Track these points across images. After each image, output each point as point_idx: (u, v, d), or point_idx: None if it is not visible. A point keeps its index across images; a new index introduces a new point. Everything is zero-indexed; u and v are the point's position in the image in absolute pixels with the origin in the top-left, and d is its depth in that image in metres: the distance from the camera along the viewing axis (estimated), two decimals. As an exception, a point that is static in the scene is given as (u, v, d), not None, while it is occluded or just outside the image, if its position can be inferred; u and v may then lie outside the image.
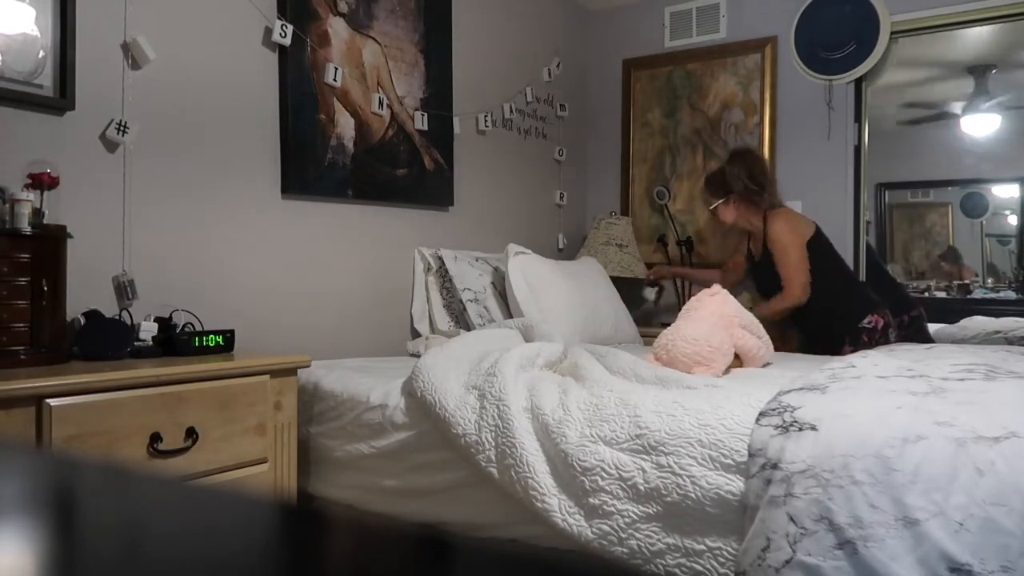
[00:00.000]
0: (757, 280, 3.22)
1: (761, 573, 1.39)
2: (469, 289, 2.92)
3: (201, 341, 2.04)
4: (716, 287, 2.34)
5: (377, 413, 2.05)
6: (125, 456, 1.65)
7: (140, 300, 2.10)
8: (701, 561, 1.51)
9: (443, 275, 2.96)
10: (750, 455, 1.49)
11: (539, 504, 1.67)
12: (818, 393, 1.61)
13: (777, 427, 1.49)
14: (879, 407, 1.51)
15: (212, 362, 1.89)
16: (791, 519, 1.38)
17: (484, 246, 3.34)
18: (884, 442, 1.39)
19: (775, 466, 1.44)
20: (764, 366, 2.29)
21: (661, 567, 1.54)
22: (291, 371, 2.03)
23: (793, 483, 1.40)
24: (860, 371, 1.79)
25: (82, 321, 1.92)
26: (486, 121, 3.39)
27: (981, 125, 3.73)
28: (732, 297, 2.31)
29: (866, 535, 1.31)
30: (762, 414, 1.55)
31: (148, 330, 2.03)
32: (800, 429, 1.46)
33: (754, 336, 2.25)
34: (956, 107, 3.76)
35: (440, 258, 2.99)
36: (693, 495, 1.54)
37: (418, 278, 3.01)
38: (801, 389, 1.64)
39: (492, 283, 3.02)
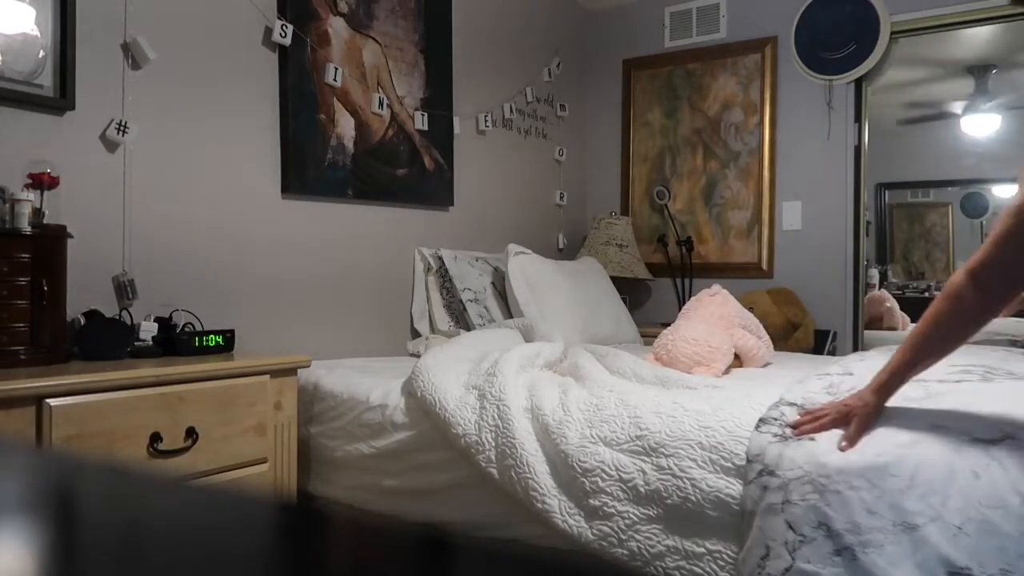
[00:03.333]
0: None
1: None
2: (469, 289, 2.92)
3: (201, 341, 2.05)
4: (716, 287, 2.34)
5: (377, 413, 2.05)
6: (125, 456, 1.65)
7: (140, 300, 2.10)
8: (701, 564, 1.51)
9: (443, 275, 2.96)
10: (748, 460, 1.49)
11: (539, 505, 1.67)
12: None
13: (775, 435, 1.49)
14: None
15: (212, 362, 1.89)
16: (789, 526, 1.38)
17: (484, 246, 3.34)
18: (880, 448, 1.38)
19: (772, 472, 1.44)
20: (764, 366, 2.29)
21: (661, 569, 1.54)
22: (291, 371, 2.03)
23: (790, 490, 1.40)
24: (857, 379, 1.79)
25: (82, 321, 1.92)
26: (486, 121, 3.39)
27: (981, 125, 3.73)
28: (732, 297, 2.31)
29: (864, 541, 1.31)
30: (762, 420, 1.55)
31: (148, 330, 2.03)
32: (799, 442, 1.46)
33: (754, 336, 2.25)
34: (956, 107, 3.76)
35: (440, 258, 2.99)
36: (693, 498, 1.54)
37: (418, 278, 3.01)
38: (799, 404, 1.64)
39: (492, 283, 3.01)
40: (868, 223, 3.53)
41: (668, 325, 2.28)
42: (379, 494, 2.02)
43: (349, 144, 2.74)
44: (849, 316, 3.43)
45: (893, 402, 1.55)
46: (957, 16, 3.23)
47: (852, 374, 1.85)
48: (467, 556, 0.37)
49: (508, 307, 2.89)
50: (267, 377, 1.96)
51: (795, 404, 1.62)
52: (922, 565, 1.26)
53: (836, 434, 1.45)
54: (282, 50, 2.52)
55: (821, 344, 3.32)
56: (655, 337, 2.25)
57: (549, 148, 3.84)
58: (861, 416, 1.43)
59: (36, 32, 1.91)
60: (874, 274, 3.74)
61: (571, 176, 4.02)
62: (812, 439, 1.45)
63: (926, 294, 3.85)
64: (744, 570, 1.43)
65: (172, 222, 2.24)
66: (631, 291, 3.80)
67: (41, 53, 1.93)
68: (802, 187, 3.56)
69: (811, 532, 1.36)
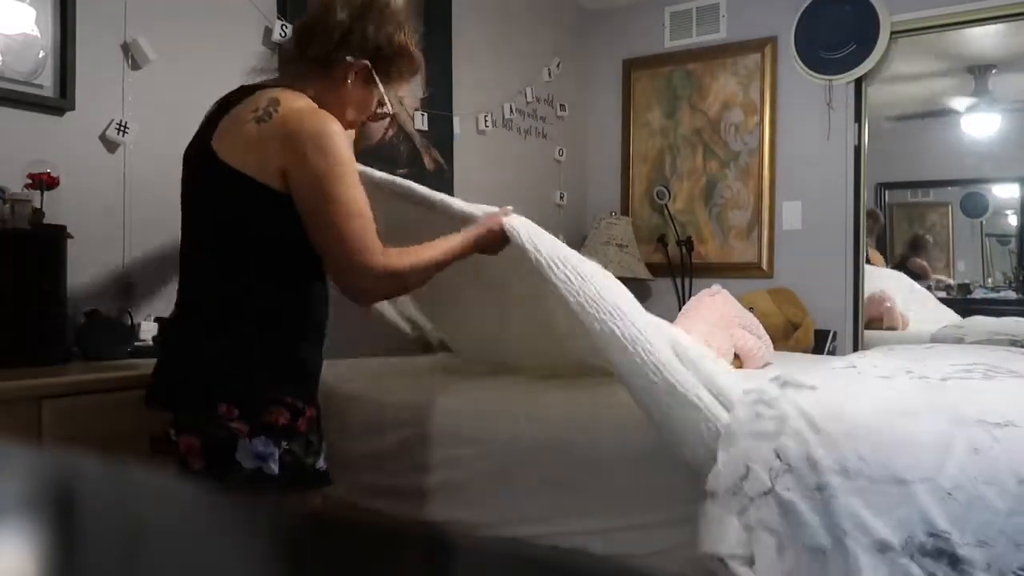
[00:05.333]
0: None
1: (734, 499, 1.38)
2: (469, 289, 2.91)
3: (201, 341, 2.04)
4: (715, 287, 2.34)
5: (378, 412, 2.05)
6: (125, 456, 1.65)
7: (140, 300, 2.10)
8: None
9: (443, 275, 2.96)
10: (744, 392, 1.50)
11: None
12: (819, 380, 1.62)
13: (776, 380, 1.51)
14: (880, 390, 1.52)
15: (212, 362, 1.88)
16: (777, 455, 1.38)
17: (484, 246, 3.34)
18: (884, 410, 1.39)
19: (769, 404, 1.44)
20: (763, 366, 2.28)
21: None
22: (291, 371, 2.03)
23: (786, 422, 1.40)
24: (861, 370, 1.80)
25: (82, 321, 1.92)
26: (486, 121, 3.39)
27: (981, 125, 3.73)
28: (732, 297, 2.31)
29: (849, 484, 1.30)
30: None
31: (148, 330, 2.03)
32: (799, 388, 1.48)
33: (754, 336, 2.25)
34: (956, 107, 3.76)
35: (440, 258, 2.98)
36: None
37: (418, 278, 3.01)
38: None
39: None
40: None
41: (668, 325, 2.28)
42: (380, 493, 2.02)
43: (349, 144, 2.74)
44: (849, 316, 3.43)
45: (896, 391, 1.55)
46: (957, 16, 3.22)
47: (855, 366, 1.86)
48: (467, 556, 0.37)
49: (508, 307, 2.89)
50: (267, 377, 1.95)
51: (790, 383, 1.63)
52: (903, 520, 1.26)
53: (838, 391, 1.46)
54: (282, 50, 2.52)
55: (821, 344, 3.32)
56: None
57: (549, 148, 3.84)
58: None
59: (36, 32, 1.91)
60: (874, 274, 3.73)
61: (571, 176, 4.02)
62: (813, 387, 1.46)
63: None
64: (718, 484, 1.41)
65: (172, 222, 2.23)
66: (631, 291, 3.79)
67: (41, 53, 1.93)
68: (802, 187, 3.55)
69: (797, 463, 1.36)
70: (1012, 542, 1.21)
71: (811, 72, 3.49)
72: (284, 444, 1.36)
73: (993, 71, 3.63)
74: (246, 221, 1.38)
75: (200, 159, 1.42)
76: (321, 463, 1.44)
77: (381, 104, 1.55)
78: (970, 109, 3.71)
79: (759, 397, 1.45)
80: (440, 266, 1.53)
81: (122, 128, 2.07)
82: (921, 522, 1.25)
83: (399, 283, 1.52)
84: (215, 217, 1.42)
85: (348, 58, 1.45)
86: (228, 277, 1.40)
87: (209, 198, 1.42)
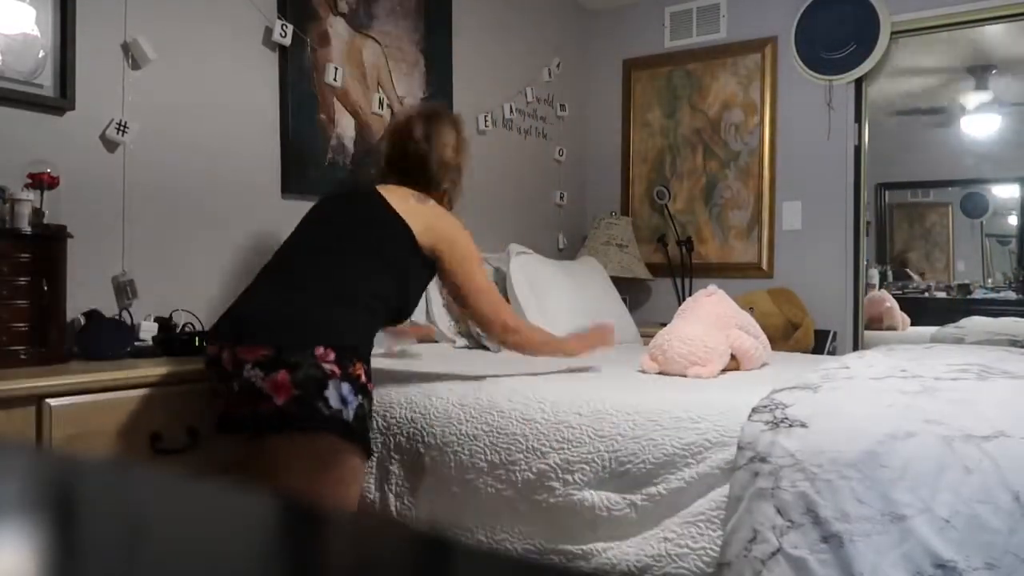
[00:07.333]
0: None
1: (747, 565, 1.39)
2: (469, 289, 2.91)
3: (201, 341, 2.05)
4: (712, 287, 2.33)
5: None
6: (125, 456, 1.66)
7: (140, 300, 2.11)
8: (686, 564, 1.51)
9: (443, 275, 2.96)
10: (739, 448, 1.49)
11: None
12: (810, 392, 1.61)
13: (768, 423, 1.50)
14: (869, 405, 1.52)
15: (212, 362, 1.89)
16: (778, 511, 1.38)
17: (484, 246, 3.33)
18: (873, 438, 1.39)
19: (763, 459, 1.44)
20: (761, 367, 2.28)
21: None
22: (291, 371, 2.03)
23: (781, 476, 1.40)
24: (853, 372, 1.79)
25: (82, 321, 1.92)
26: (486, 121, 3.39)
27: (981, 125, 3.73)
28: (728, 297, 2.31)
29: (852, 530, 1.31)
30: (754, 410, 1.56)
31: (148, 330, 2.03)
32: (790, 426, 1.47)
33: (751, 337, 2.24)
34: (956, 107, 3.76)
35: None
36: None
37: (418, 278, 3.01)
38: (793, 388, 1.65)
39: (493, 283, 3.01)
40: (868, 223, 3.53)
41: (666, 325, 2.28)
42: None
43: (349, 144, 2.74)
44: (849, 316, 3.43)
45: (887, 398, 1.55)
46: (957, 16, 3.22)
47: (848, 367, 1.86)
48: (467, 556, 0.37)
49: (508, 307, 2.89)
50: (267, 377, 1.95)
51: (790, 388, 1.62)
52: (908, 556, 1.26)
53: (830, 422, 1.46)
54: (282, 50, 2.52)
55: (821, 344, 3.32)
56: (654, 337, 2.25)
57: (549, 148, 3.84)
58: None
59: (36, 32, 1.91)
60: (874, 274, 3.74)
61: (571, 176, 4.02)
62: (804, 426, 1.46)
63: (926, 294, 3.85)
64: (729, 552, 1.42)
65: (172, 222, 2.24)
66: (631, 291, 3.80)
67: (41, 53, 1.93)
68: (802, 187, 3.56)
69: (799, 518, 1.36)
70: (1019, 559, 1.21)
71: (811, 72, 3.49)
72: (360, 398, 1.60)
73: (993, 71, 3.63)
74: (404, 255, 1.81)
75: (371, 206, 1.85)
76: (370, 435, 1.69)
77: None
78: (970, 109, 3.71)
79: (754, 453, 1.46)
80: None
81: (122, 128, 2.07)
82: (926, 555, 1.25)
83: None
84: (380, 243, 1.79)
85: (446, 187, 2.03)
86: (377, 280, 1.76)
87: (378, 231, 1.81)
